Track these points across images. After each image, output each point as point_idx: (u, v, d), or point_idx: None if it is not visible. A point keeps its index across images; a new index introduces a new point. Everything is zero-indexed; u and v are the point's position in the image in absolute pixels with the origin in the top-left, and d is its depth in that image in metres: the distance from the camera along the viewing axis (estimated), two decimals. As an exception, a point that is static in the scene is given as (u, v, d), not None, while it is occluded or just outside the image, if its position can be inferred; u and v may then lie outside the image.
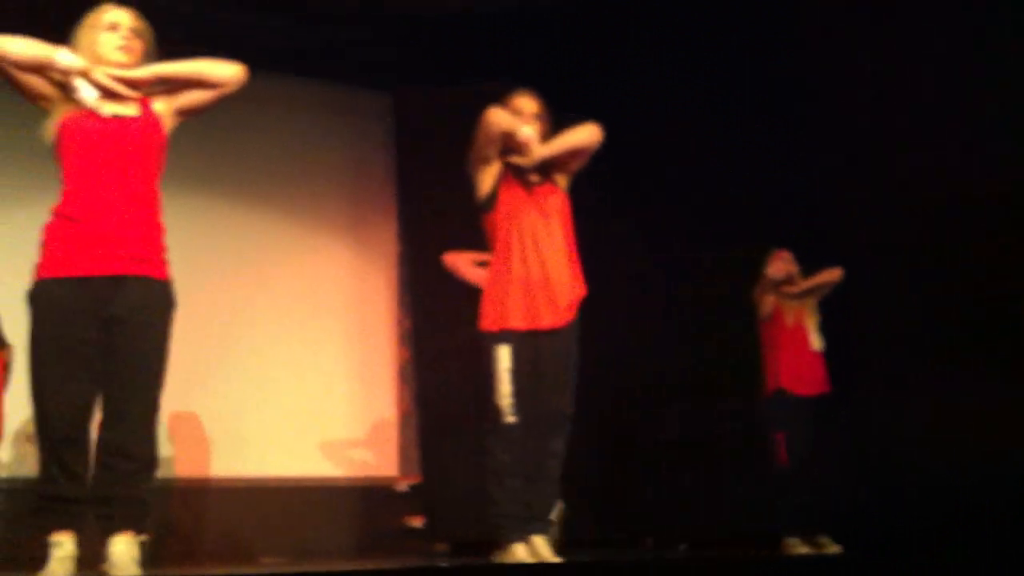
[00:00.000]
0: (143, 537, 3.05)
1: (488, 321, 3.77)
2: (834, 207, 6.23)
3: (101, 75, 3.03)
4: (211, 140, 7.30)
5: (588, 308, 3.92)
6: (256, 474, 6.99)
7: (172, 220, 6.78)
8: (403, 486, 7.31)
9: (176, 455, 6.67)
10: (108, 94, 3.06)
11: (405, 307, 7.60)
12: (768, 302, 5.85)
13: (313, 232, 7.51)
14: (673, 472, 6.75)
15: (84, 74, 3.02)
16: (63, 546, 2.96)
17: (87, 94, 3.02)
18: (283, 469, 7.08)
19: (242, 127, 7.38)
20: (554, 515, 3.62)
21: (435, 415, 7.03)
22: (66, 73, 3.00)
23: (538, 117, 3.91)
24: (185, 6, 6.65)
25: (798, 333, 5.73)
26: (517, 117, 3.86)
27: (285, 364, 7.20)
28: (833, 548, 5.46)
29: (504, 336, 3.68)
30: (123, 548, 2.98)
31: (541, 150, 3.79)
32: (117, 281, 3.00)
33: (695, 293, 6.84)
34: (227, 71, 3.20)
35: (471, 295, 7.07)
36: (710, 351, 6.62)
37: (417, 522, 7.10)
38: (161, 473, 6.48)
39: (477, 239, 6.51)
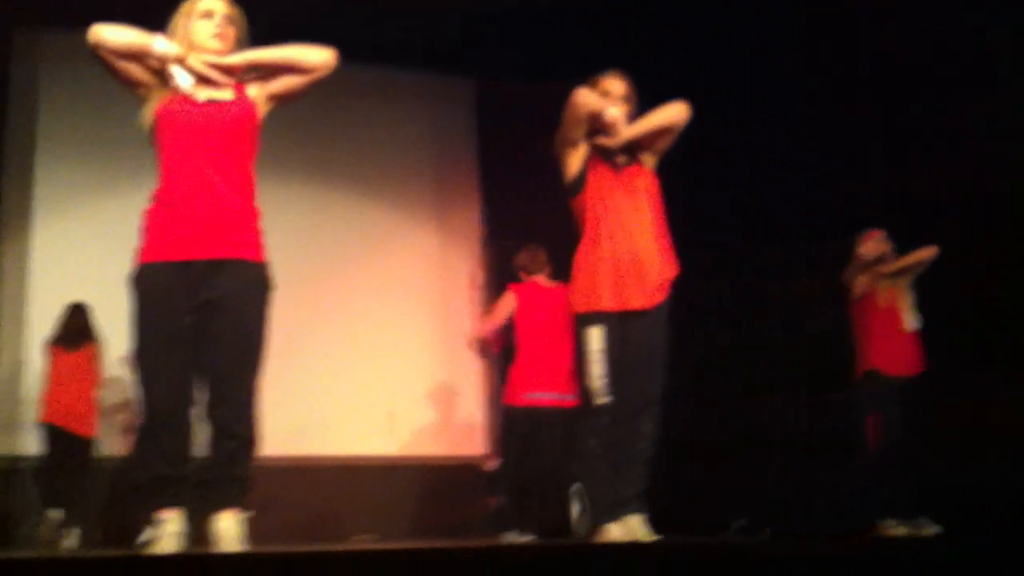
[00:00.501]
0: (246, 514, 3.09)
1: (579, 303, 3.71)
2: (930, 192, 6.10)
3: (196, 62, 3.06)
4: (300, 130, 7.45)
5: (686, 297, 3.87)
6: (346, 453, 7.15)
7: (262, 208, 7.07)
8: (490, 465, 7.37)
9: (268, 434, 6.82)
10: (203, 80, 3.08)
11: (489, 289, 7.66)
12: (861, 283, 5.71)
13: (399, 217, 7.63)
14: (768, 458, 6.71)
15: (180, 61, 3.06)
16: (170, 523, 3.00)
17: (183, 81, 3.05)
18: (372, 449, 7.22)
19: (329, 117, 7.51)
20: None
21: None
22: (162, 60, 3.04)
23: (626, 99, 3.84)
24: None
25: (891, 314, 5.61)
26: (605, 98, 3.80)
27: (373, 346, 7.34)
28: (930, 530, 5.34)
29: (595, 318, 3.64)
30: (227, 525, 3.02)
31: (628, 130, 3.73)
32: (215, 265, 3.01)
33: (791, 285, 6.81)
34: (318, 56, 3.21)
35: (559, 278, 7.13)
36: (805, 341, 6.61)
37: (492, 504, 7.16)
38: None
39: (559, 222, 6.54)
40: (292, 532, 6.75)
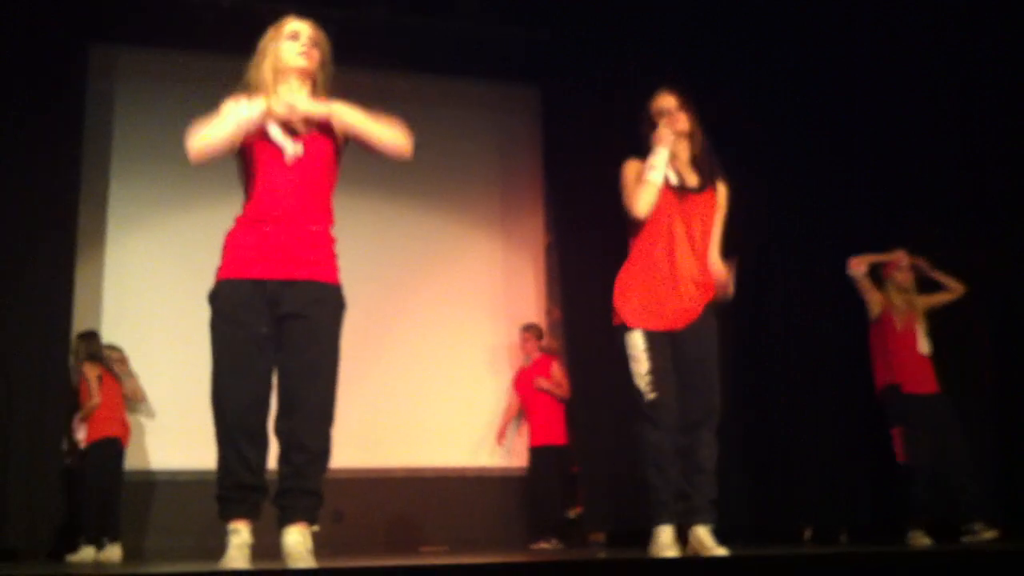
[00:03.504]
0: (315, 528, 3.14)
1: (622, 317, 3.81)
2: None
3: (281, 108, 3.14)
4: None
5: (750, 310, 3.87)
6: (418, 464, 7.19)
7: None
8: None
9: (341, 446, 6.89)
10: (287, 126, 3.18)
11: (554, 297, 7.65)
12: (876, 302, 5.87)
13: (464, 226, 7.66)
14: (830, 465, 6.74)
15: (269, 113, 3.14)
16: (240, 533, 3.06)
17: (277, 135, 3.15)
18: (439, 459, 7.26)
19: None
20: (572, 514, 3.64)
21: (588, 405, 7.04)
22: (259, 120, 3.16)
23: (680, 108, 3.88)
24: (341, 7, 6.89)
25: (907, 337, 5.81)
26: (660, 115, 3.86)
27: (440, 355, 7.39)
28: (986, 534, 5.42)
29: (634, 328, 3.76)
30: (297, 539, 3.06)
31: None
32: (291, 284, 3.11)
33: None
34: (395, 144, 3.31)
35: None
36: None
37: (574, 512, 7.14)
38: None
39: (621, 230, 6.51)
40: (364, 543, 6.82)
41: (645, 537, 3.81)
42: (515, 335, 7.50)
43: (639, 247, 3.85)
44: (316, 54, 3.29)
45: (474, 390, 7.37)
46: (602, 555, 4.77)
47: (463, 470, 7.26)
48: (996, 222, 6.66)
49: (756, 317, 7.23)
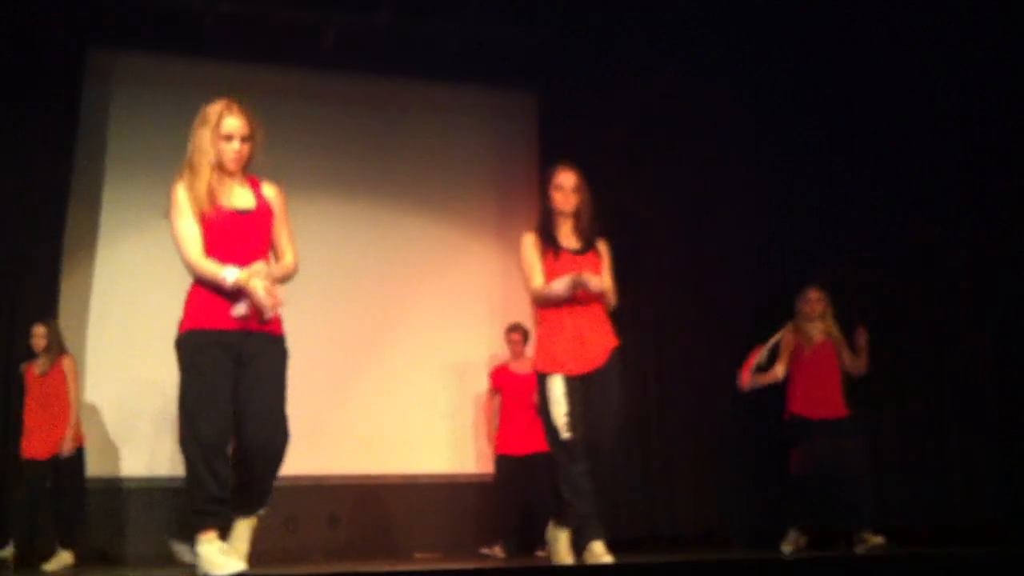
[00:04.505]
0: (261, 511, 3.59)
1: (541, 365, 4.34)
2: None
3: (258, 286, 3.45)
4: (361, 144, 7.50)
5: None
6: (411, 471, 7.12)
7: (327, 224, 7.16)
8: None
9: (334, 453, 6.84)
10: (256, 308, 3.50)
11: None
12: (789, 337, 6.08)
13: (460, 232, 7.56)
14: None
15: (241, 287, 3.46)
16: (214, 541, 3.41)
17: (241, 310, 3.48)
18: (436, 466, 7.19)
19: (390, 131, 7.54)
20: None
21: None
22: (231, 289, 3.47)
23: (575, 190, 4.43)
24: (340, 14, 6.86)
25: (814, 365, 5.96)
26: (556, 189, 4.43)
27: (436, 363, 7.32)
28: (877, 539, 5.65)
29: (555, 375, 4.27)
30: (244, 529, 3.56)
31: (599, 283, 4.32)
32: (246, 334, 3.52)
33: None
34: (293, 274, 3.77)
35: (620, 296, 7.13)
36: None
37: None
38: (320, 470, 6.81)
39: (619, 236, 6.53)
40: (357, 549, 6.76)
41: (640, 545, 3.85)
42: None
43: (544, 309, 4.38)
44: (246, 150, 3.64)
45: (472, 395, 7.30)
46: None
47: (458, 476, 7.20)
48: (996, 222, 6.66)
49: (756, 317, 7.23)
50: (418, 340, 7.32)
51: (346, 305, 7.16)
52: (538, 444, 5.89)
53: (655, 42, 7.09)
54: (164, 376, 5.72)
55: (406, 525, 6.94)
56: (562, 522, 4.23)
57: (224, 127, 3.59)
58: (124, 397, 6.70)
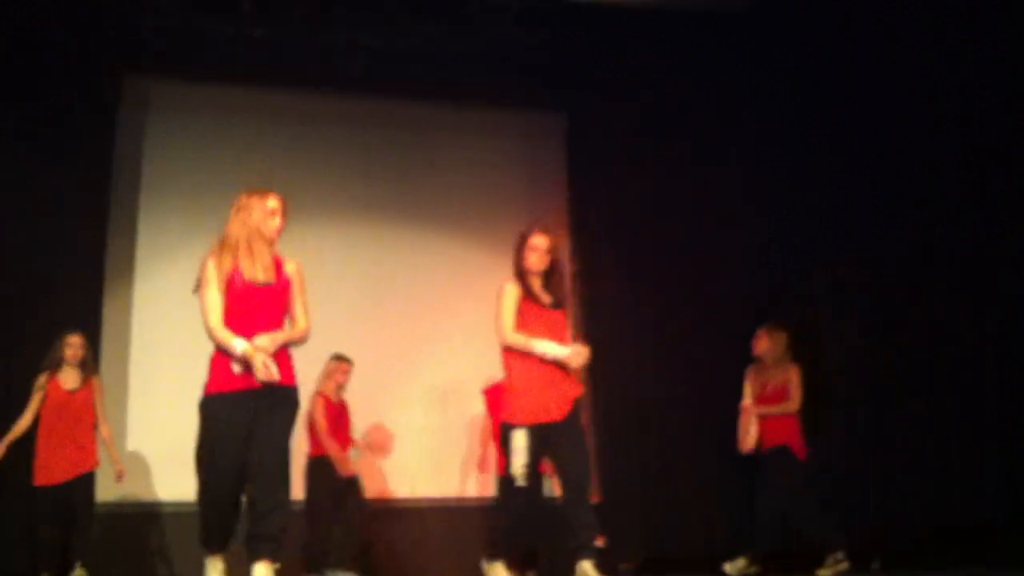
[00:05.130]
0: (278, 565, 3.95)
1: (508, 416, 4.57)
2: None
3: (259, 360, 3.96)
4: (389, 167, 7.48)
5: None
6: (438, 495, 7.16)
7: (357, 246, 7.10)
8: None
9: (372, 478, 6.81)
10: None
11: (579, 327, 7.50)
12: (752, 374, 6.45)
13: (488, 253, 7.39)
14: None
15: (247, 359, 3.98)
16: (217, 566, 4.10)
17: (237, 369, 3.98)
18: (459, 490, 7.23)
19: (418, 153, 7.53)
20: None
21: (612, 435, 6.99)
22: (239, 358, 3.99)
23: (548, 251, 4.73)
24: (369, 38, 6.79)
25: (766, 400, 6.32)
26: (531, 249, 4.74)
27: (466, 385, 7.22)
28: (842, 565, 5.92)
29: (519, 426, 4.50)
30: (262, 573, 3.92)
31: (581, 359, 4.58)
32: (261, 392, 4.01)
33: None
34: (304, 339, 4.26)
35: (645, 315, 7.12)
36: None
37: (600, 542, 7.05)
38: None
39: (647, 256, 6.50)
40: (391, 573, 6.70)
41: (675, 564, 3.88)
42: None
43: (514, 358, 4.62)
44: (283, 224, 4.26)
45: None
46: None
47: (479, 500, 7.16)
48: (996, 222, 6.68)
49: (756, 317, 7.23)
50: (448, 363, 7.32)
51: (375, 327, 7.21)
52: None
53: (668, 52, 7.06)
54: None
55: (430, 550, 6.92)
56: (495, 555, 4.60)
57: (270, 204, 4.20)
58: (167, 423, 6.52)
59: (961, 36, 6.66)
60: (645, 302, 7.21)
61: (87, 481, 5.89)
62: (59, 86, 6.60)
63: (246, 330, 4.01)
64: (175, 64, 7.00)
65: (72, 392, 5.89)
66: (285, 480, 4.01)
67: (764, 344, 6.38)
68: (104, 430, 5.98)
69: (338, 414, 6.66)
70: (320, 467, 6.45)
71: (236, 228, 4.14)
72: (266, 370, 3.93)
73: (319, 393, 6.56)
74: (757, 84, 7.27)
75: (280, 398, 4.06)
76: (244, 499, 4.07)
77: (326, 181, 7.27)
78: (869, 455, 6.91)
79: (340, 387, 6.68)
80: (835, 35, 6.96)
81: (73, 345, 5.90)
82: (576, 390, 4.61)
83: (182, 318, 6.39)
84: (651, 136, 7.29)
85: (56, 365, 5.90)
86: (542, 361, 4.54)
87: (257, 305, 4.06)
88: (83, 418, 5.90)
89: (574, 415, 4.58)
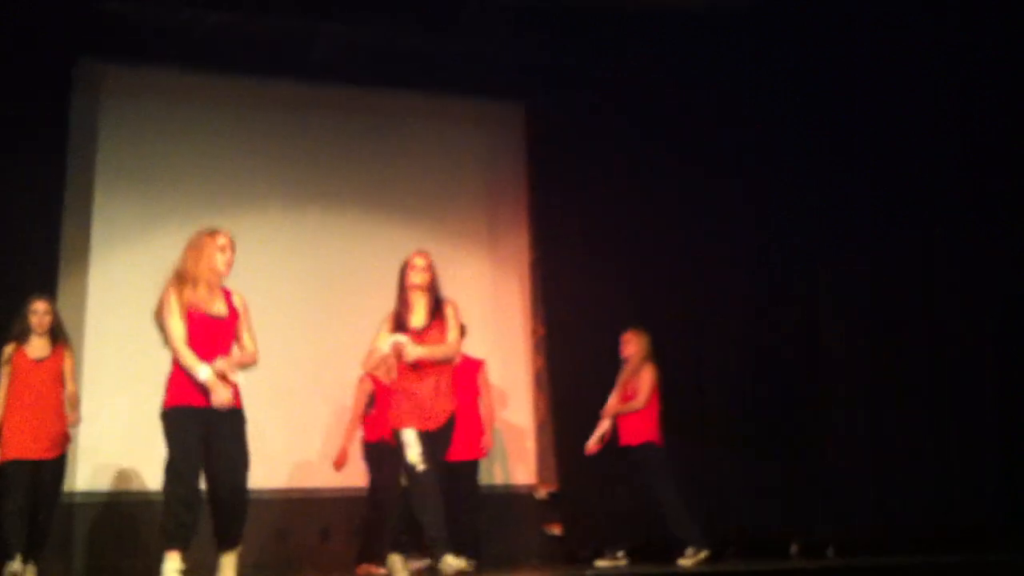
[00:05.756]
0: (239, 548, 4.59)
1: (395, 422, 5.10)
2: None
3: (221, 393, 4.52)
4: (348, 154, 7.42)
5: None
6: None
7: (313, 234, 7.08)
8: (542, 493, 7.25)
9: (324, 466, 6.75)
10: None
11: (539, 316, 7.51)
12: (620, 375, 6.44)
13: (448, 242, 7.27)
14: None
15: (210, 385, 4.52)
16: (175, 560, 4.39)
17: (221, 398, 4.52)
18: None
19: (377, 141, 7.46)
20: None
21: (570, 423, 6.95)
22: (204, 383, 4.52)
23: (426, 269, 5.21)
24: (328, 25, 6.81)
25: (628, 398, 6.34)
26: (411, 268, 5.23)
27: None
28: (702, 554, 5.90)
29: (406, 427, 5.06)
30: (229, 561, 4.59)
31: (416, 352, 5.07)
32: (213, 410, 4.55)
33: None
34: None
35: (604, 303, 7.10)
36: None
37: (557, 529, 7.06)
38: (312, 483, 6.77)
39: (606, 246, 6.51)
40: (348, 562, 6.66)
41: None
42: (502, 352, 7.28)
43: (402, 375, 5.14)
44: (232, 260, 4.73)
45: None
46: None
47: None
48: (996, 222, 6.68)
49: (756, 317, 7.24)
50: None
51: (335, 317, 7.06)
52: (463, 452, 6.00)
53: (645, 52, 7.04)
54: (159, 388, 5.61)
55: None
56: (399, 548, 5.09)
57: (219, 242, 4.72)
58: (121, 410, 6.51)
59: (961, 36, 6.67)
60: (604, 292, 7.15)
61: (58, 468, 5.62)
62: (11, 70, 6.46)
63: (203, 356, 4.56)
64: (130, 48, 6.85)
65: (39, 361, 5.60)
66: (244, 482, 4.59)
67: (632, 347, 6.38)
68: (70, 386, 5.68)
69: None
70: (379, 451, 6.31)
71: (191, 265, 4.64)
72: (221, 397, 4.52)
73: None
74: (757, 84, 7.25)
75: (230, 415, 4.62)
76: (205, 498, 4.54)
77: (280, 167, 7.19)
78: (869, 455, 6.89)
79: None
80: (835, 35, 6.97)
81: (38, 312, 5.61)
82: (451, 406, 5.15)
83: (138, 303, 6.41)
84: (650, 136, 7.29)
85: (23, 334, 5.63)
86: (420, 380, 5.09)
87: (212, 336, 4.63)
88: (52, 388, 5.60)
89: (447, 427, 5.13)
